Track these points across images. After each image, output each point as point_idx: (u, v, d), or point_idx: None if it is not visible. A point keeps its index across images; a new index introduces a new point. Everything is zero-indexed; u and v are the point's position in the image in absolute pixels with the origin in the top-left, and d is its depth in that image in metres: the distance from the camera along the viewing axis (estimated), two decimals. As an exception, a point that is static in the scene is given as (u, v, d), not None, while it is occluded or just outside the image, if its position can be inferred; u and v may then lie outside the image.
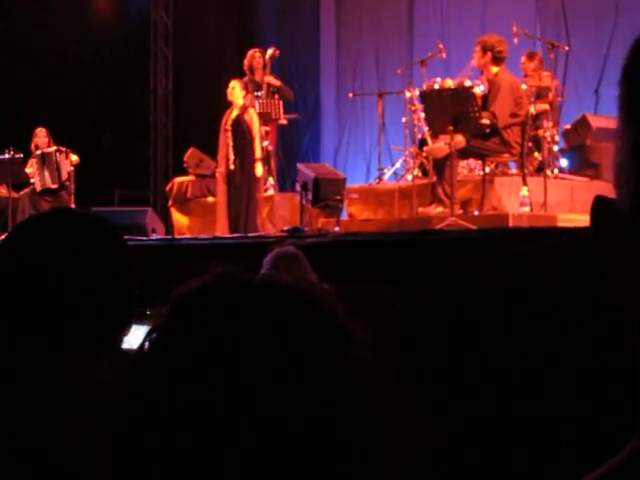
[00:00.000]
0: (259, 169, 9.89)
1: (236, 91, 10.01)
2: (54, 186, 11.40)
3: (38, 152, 11.50)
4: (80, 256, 1.70)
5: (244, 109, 9.97)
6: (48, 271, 1.67)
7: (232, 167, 9.92)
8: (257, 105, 10.58)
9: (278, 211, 10.61)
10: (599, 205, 0.77)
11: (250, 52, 11.28)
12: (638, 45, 0.76)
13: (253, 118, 9.98)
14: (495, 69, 8.96)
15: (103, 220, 1.80)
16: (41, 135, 11.66)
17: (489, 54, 8.93)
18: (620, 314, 0.75)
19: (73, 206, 11.02)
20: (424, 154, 9.86)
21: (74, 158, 11.57)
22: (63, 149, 11.50)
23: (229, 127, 10.01)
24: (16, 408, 1.60)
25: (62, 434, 1.56)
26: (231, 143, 9.96)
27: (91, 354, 1.68)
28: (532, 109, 9.29)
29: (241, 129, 9.91)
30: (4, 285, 1.70)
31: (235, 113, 9.99)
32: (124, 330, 1.74)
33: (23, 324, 1.67)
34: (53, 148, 11.54)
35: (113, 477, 0.84)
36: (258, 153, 9.91)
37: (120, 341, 1.74)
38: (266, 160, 11.02)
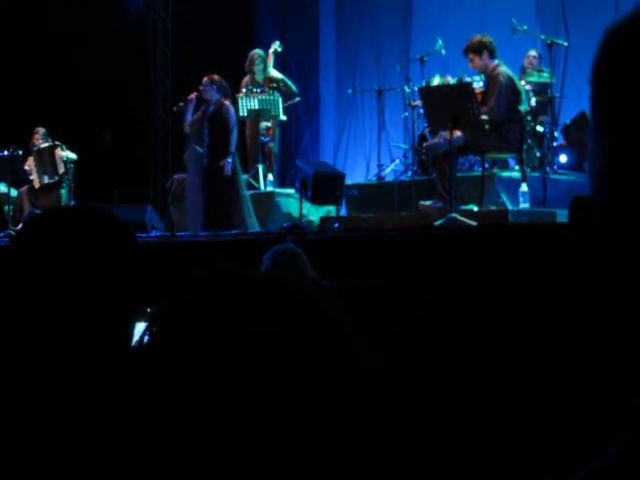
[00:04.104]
0: (227, 165, 9.65)
1: (207, 89, 9.87)
2: (52, 180, 11.42)
3: (35, 149, 11.55)
4: (90, 252, 1.70)
5: (220, 105, 9.84)
6: (55, 268, 1.68)
7: (205, 163, 9.81)
8: (256, 102, 10.57)
9: (278, 208, 10.60)
10: (577, 204, 0.78)
11: (251, 54, 11.27)
12: (608, 43, 0.75)
13: (229, 112, 9.84)
14: (493, 63, 8.95)
15: (115, 216, 1.80)
16: (37, 135, 11.70)
17: (485, 52, 8.91)
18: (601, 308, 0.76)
19: (72, 203, 11.05)
20: (423, 150, 9.87)
21: (71, 154, 11.60)
22: (56, 143, 11.55)
23: (205, 123, 9.88)
24: (16, 407, 1.60)
25: (62, 433, 1.57)
26: (207, 139, 9.85)
27: (94, 351, 1.68)
28: (533, 103, 9.28)
29: (217, 125, 9.78)
30: (11, 282, 1.70)
31: (212, 108, 9.87)
32: (130, 325, 1.74)
33: (27, 321, 1.68)
34: (46, 144, 11.58)
35: (114, 475, 0.85)
36: (231, 148, 9.73)
37: (129, 337, 1.74)
38: (266, 157, 11.02)
